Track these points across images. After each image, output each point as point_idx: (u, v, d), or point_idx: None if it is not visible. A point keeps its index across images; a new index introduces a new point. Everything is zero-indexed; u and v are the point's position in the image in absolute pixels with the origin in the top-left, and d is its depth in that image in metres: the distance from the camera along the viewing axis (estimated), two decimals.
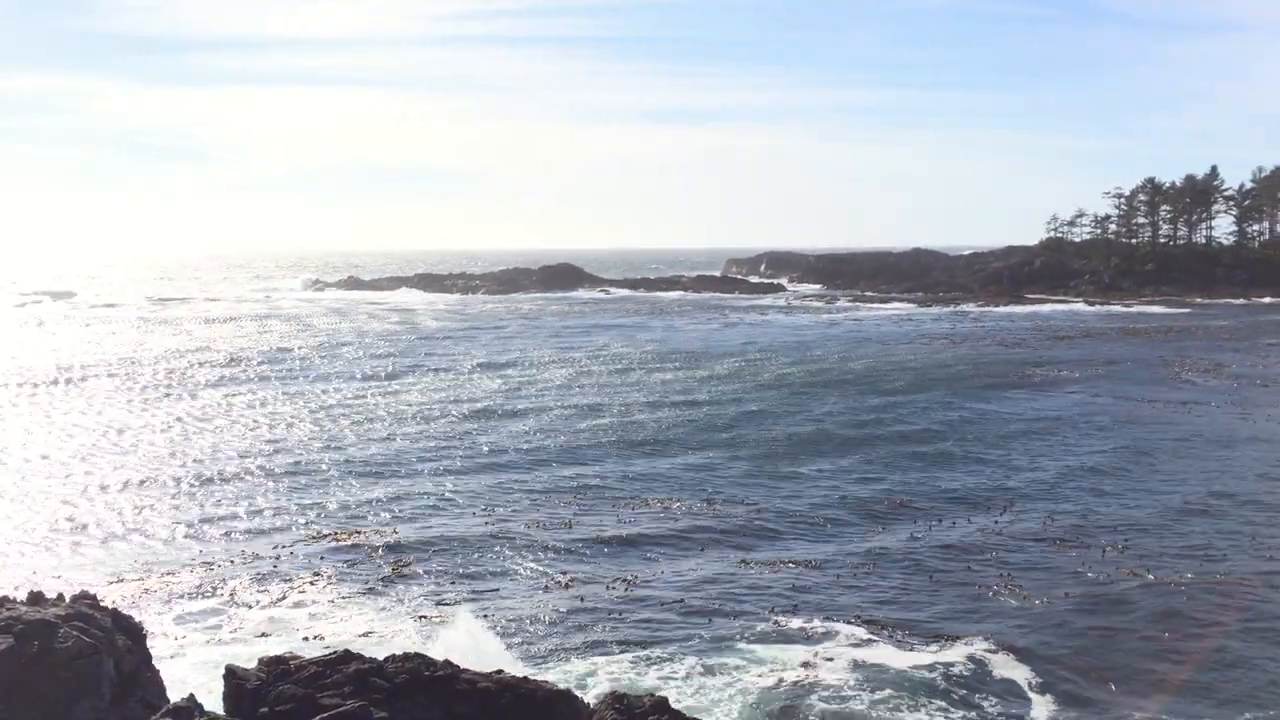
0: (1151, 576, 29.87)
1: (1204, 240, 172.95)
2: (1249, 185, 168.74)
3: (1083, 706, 22.16)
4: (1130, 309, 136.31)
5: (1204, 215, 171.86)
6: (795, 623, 26.60)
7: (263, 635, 26.14)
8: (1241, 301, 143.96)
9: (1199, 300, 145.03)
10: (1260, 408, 58.00)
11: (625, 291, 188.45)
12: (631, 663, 24.42)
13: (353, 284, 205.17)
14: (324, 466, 44.50)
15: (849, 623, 26.56)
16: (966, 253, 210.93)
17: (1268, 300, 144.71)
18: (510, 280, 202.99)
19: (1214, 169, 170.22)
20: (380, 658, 20.43)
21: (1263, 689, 22.79)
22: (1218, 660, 24.35)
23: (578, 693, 20.38)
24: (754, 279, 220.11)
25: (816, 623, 26.56)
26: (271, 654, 20.74)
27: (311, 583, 29.99)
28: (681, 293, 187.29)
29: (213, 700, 18.25)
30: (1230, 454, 46.16)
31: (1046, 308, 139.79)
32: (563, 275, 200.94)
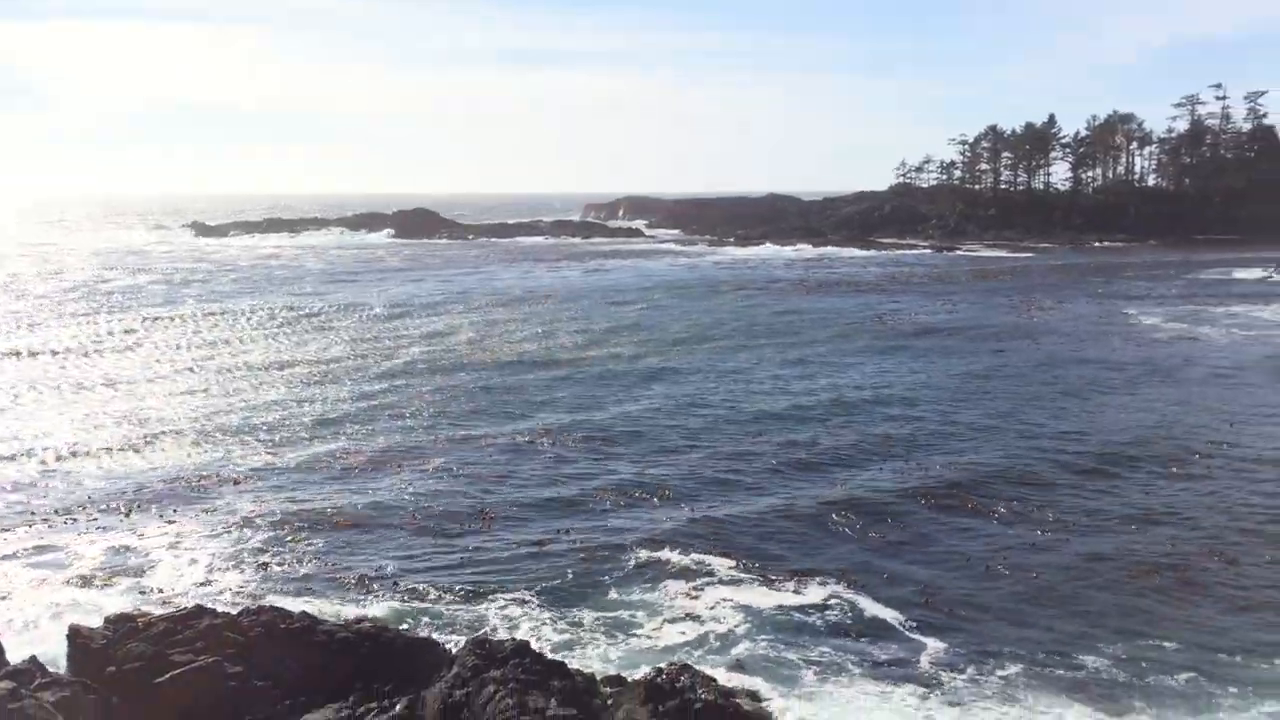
0: (978, 504, 31.37)
1: (1042, 186, 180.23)
2: (1084, 133, 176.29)
3: (945, 636, 23.17)
4: (975, 253, 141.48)
5: (1042, 162, 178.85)
6: (661, 558, 27.06)
7: (107, 585, 25.26)
8: (1073, 245, 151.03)
9: (1038, 244, 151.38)
10: (1094, 341, 61.11)
11: (484, 237, 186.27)
12: (492, 604, 24.49)
13: (202, 230, 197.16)
14: (172, 411, 43.00)
15: (713, 554, 27.21)
16: (820, 198, 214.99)
17: (1098, 244, 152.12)
18: (364, 225, 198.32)
19: (1051, 117, 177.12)
20: (234, 611, 20.06)
21: (1106, 614, 24.30)
22: (1060, 586, 25.78)
23: (438, 638, 20.45)
24: (613, 224, 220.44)
25: (676, 556, 27.08)
26: (118, 610, 20.14)
27: (159, 530, 29.08)
28: (541, 238, 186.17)
29: (57, 656, 17.67)
30: (1068, 386, 48.56)
31: (897, 252, 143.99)
32: (419, 220, 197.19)
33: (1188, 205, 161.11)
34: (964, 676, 21.15)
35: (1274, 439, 38.98)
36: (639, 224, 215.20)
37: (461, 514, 30.92)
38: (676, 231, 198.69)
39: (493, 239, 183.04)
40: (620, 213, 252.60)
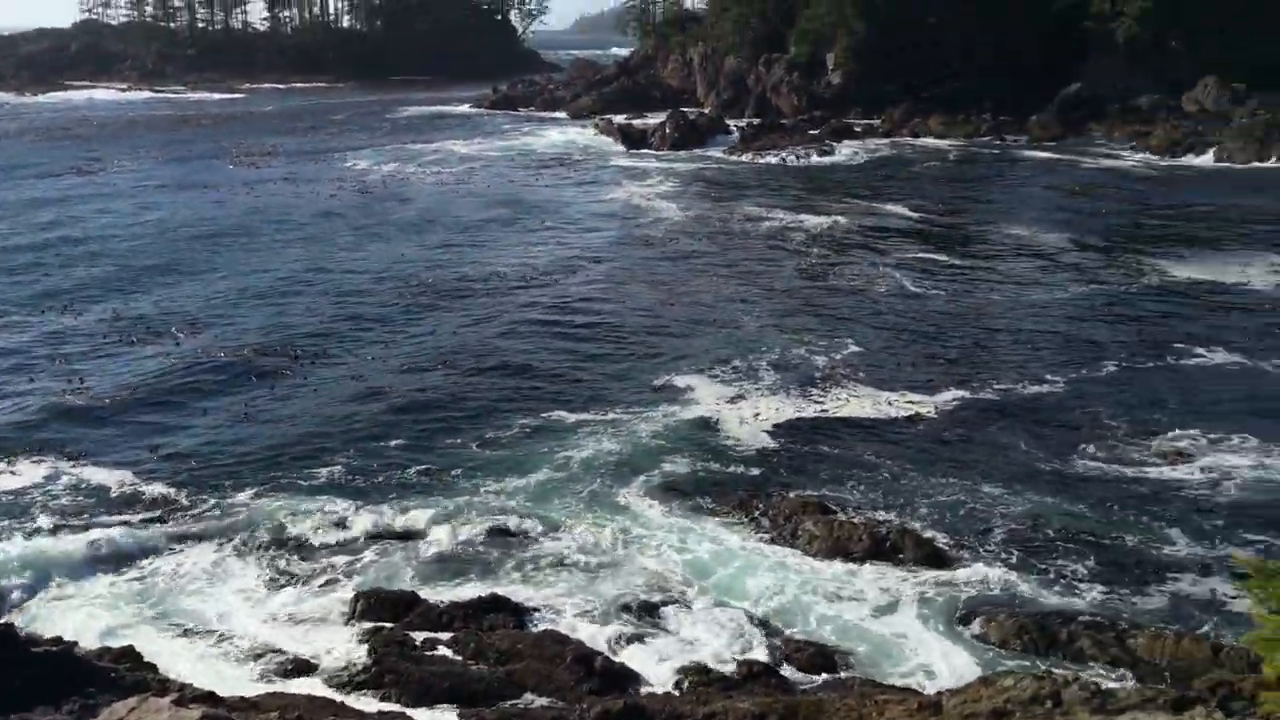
0: (252, 361, 32.43)
1: (241, 27, 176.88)
2: None
3: (170, 479, 24.05)
4: (181, 96, 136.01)
5: (239, 1, 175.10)
6: None
7: None
8: (280, 86, 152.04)
9: (246, 86, 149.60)
10: (310, 186, 63.38)
11: None
12: None
13: None
14: None
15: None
16: None
17: (301, 85, 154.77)
18: None
19: None
20: None
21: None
22: (293, 412, 27.90)
23: None
24: None
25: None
26: None
27: None
28: None
29: None
30: (285, 238, 50.42)
31: (93, 95, 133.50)
32: None
33: (382, 47, 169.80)
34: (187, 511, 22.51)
35: (479, 265, 44.67)
36: None
37: None
38: None
39: None
40: None
